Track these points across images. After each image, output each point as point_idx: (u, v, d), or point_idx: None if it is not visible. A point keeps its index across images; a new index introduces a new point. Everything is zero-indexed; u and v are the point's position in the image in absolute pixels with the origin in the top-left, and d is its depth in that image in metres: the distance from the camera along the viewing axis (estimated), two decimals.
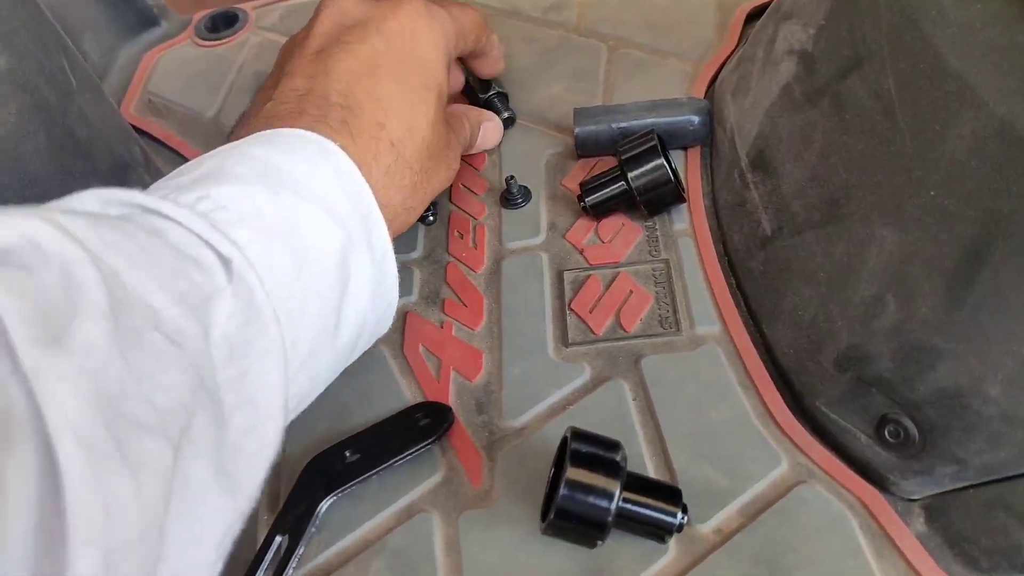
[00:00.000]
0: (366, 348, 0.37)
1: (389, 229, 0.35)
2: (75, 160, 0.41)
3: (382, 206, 0.35)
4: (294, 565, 0.34)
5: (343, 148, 0.34)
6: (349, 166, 0.34)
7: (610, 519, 0.30)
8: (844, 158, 0.35)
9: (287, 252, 0.30)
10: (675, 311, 0.40)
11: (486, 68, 0.49)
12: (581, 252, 0.43)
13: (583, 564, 0.33)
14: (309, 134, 0.34)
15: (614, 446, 0.31)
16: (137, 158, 0.48)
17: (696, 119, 0.45)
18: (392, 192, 0.36)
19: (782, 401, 0.36)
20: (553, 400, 0.38)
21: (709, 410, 0.36)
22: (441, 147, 0.40)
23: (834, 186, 0.35)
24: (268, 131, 0.34)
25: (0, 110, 0.37)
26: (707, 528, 0.33)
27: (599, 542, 0.31)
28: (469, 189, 0.48)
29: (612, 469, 0.31)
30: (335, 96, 0.36)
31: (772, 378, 0.37)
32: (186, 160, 0.52)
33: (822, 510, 0.33)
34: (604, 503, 0.30)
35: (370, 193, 0.34)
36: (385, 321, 0.37)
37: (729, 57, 0.50)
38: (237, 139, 0.34)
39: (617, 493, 0.30)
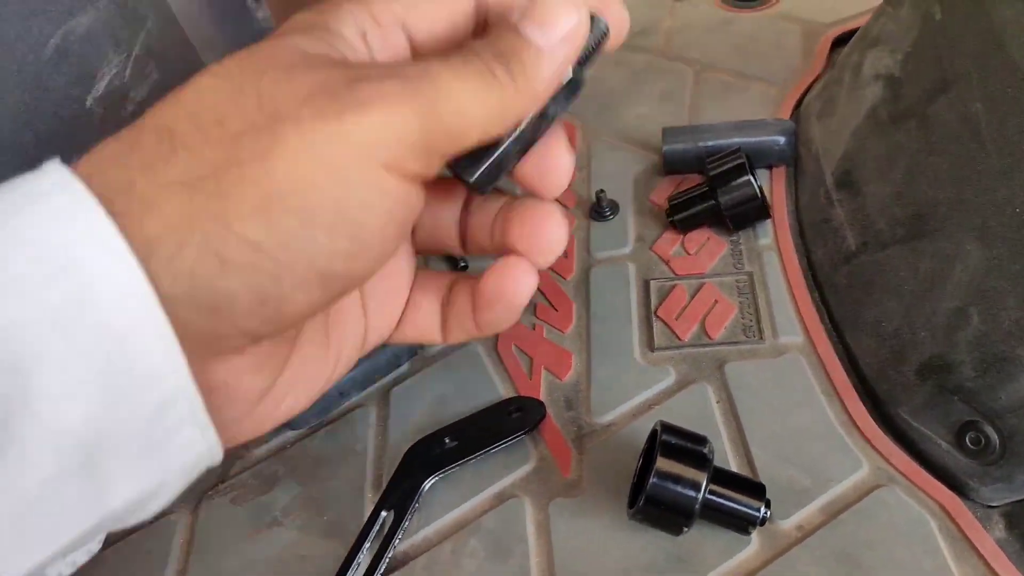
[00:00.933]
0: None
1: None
2: None
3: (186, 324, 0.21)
4: (399, 537, 0.37)
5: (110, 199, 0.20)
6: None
7: (697, 507, 0.32)
8: (930, 177, 0.36)
9: None
10: (758, 321, 0.42)
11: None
12: (667, 263, 0.45)
13: (668, 552, 0.35)
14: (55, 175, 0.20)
15: (701, 440, 0.33)
16: None
17: (782, 139, 0.46)
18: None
19: (864, 408, 0.37)
20: (639, 400, 0.40)
21: (791, 415, 0.38)
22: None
23: (920, 203, 0.37)
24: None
25: None
26: (789, 524, 0.35)
27: (685, 529, 0.33)
28: (560, 203, 0.50)
29: (700, 461, 0.33)
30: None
31: (854, 386, 0.38)
32: None
33: (902, 512, 0.34)
34: (691, 492, 0.32)
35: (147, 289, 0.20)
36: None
37: (815, 82, 0.52)
38: None
39: (704, 483, 0.32)
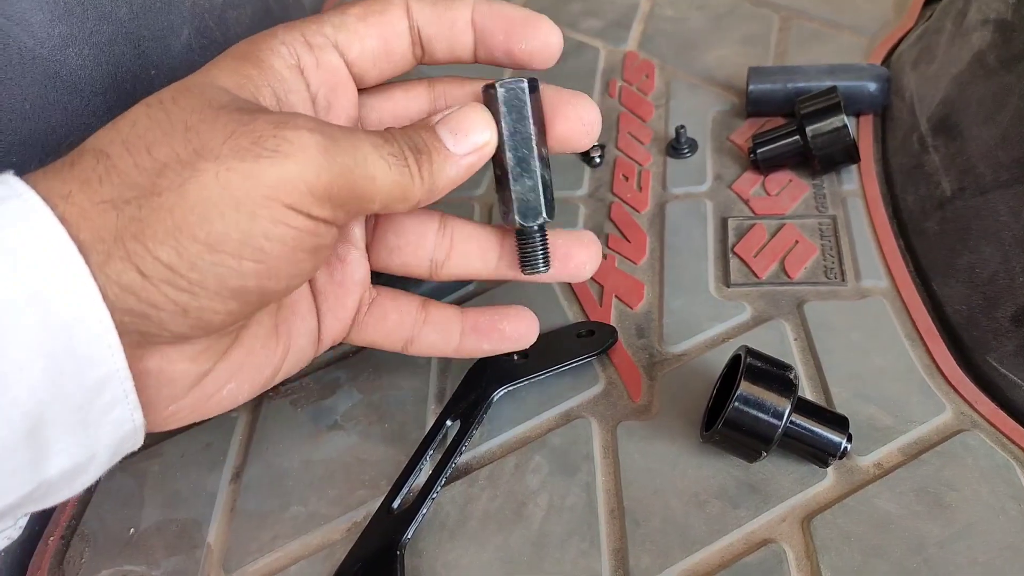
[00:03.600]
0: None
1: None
2: None
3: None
4: (465, 446, 0.36)
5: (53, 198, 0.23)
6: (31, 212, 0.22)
7: (778, 433, 0.31)
8: None
9: None
10: (840, 263, 0.41)
11: None
12: (746, 202, 0.44)
13: (738, 479, 0.34)
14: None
15: (787, 367, 0.33)
16: None
17: (874, 85, 0.45)
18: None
19: (949, 354, 0.36)
20: (713, 333, 0.39)
21: (872, 356, 0.37)
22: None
23: None
24: None
25: None
26: (867, 461, 0.34)
27: (763, 455, 0.32)
28: (635, 138, 0.49)
29: (785, 386, 0.32)
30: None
31: (939, 333, 0.37)
32: None
33: (986, 457, 0.33)
34: (774, 418, 0.31)
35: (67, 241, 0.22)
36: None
37: (906, 35, 0.50)
38: None
39: (788, 409, 0.31)
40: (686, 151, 0.47)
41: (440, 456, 0.36)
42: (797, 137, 0.43)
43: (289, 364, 0.32)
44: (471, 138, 0.28)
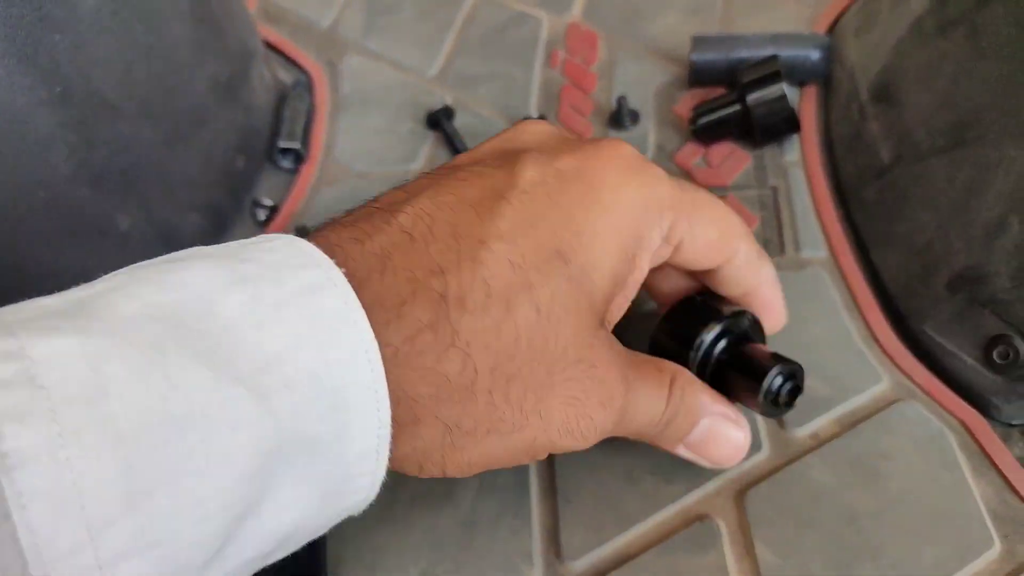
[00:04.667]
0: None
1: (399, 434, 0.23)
2: (209, 35, 0.43)
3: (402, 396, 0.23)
4: None
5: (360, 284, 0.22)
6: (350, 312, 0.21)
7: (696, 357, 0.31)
8: (977, 84, 0.35)
9: (122, 466, 0.17)
10: (781, 235, 0.40)
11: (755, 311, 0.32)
12: (688, 174, 0.43)
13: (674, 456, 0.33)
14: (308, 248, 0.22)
15: (740, 312, 0.32)
16: (259, 51, 0.50)
17: (816, 54, 0.44)
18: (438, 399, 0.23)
19: (886, 324, 0.36)
20: (651, 306, 0.39)
21: (810, 327, 0.36)
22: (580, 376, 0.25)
23: (963, 112, 0.35)
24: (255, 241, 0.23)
25: None
26: (803, 432, 0.33)
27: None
28: (577, 110, 0.48)
29: (713, 313, 0.31)
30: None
31: (877, 303, 0.36)
32: (299, 67, 0.54)
33: (921, 426, 0.33)
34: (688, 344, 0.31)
35: (377, 357, 0.22)
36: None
37: (853, 2, 0.50)
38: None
39: (712, 336, 0.31)
40: (628, 123, 0.46)
41: None
42: (738, 107, 0.42)
43: None
44: (710, 452, 0.31)
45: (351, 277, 0.22)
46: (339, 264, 0.22)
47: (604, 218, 0.25)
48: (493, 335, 0.23)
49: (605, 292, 0.26)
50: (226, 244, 0.22)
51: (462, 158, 0.28)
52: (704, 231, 0.29)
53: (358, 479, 0.23)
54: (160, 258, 0.22)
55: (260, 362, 0.20)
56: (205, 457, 0.18)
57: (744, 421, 0.30)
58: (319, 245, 0.23)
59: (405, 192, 0.26)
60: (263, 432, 0.20)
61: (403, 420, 0.23)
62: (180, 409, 0.18)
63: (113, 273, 0.21)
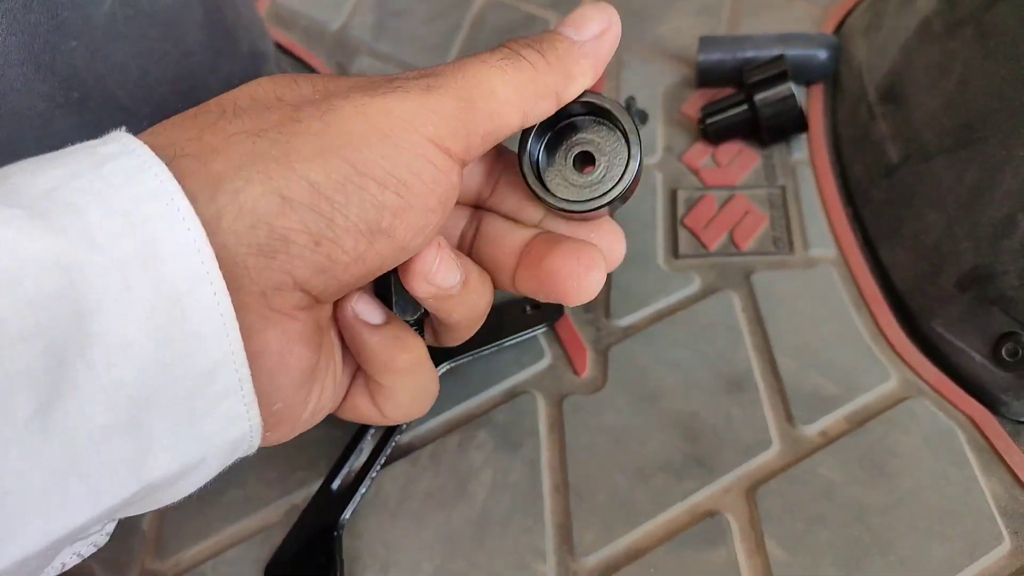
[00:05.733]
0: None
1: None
2: (222, 39, 0.43)
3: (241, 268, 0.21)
4: (403, 428, 0.35)
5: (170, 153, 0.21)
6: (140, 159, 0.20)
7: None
8: (984, 84, 0.35)
9: None
10: (789, 233, 0.40)
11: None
12: (696, 173, 0.44)
13: (685, 452, 0.34)
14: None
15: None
16: (271, 54, 0.50)
17: (823, 54, 0.45)
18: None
19: (895, 322, 0.36)
20: (660, 306, 0.39)
21: (819, 325, 0.36)
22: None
23: (971, 112, 0.35)
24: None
25: None
26: (812, 430, 0.33)
27: None
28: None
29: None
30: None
31: (885, 301, 0.37)
32: (310, 69, 0.54)
33: (930, 423, 0.33)
34: None
35: (189, 210, 0.20)
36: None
37: (860, 2, 0.50)
38: None
39: None
40: (637, 123, 0.47)
41: (381, 435, 0.35)
42: (746, 107, 0.42)
43: (306, 425, 0.28)
44: (593, 25, 0.27)
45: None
46: None
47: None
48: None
49: None
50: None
51: None
52: None
53: (192, 299, 0.20)
54: None
55: (40, 192, 0.19)
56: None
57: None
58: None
59: None
60: (47, 254, 0.18)
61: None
62: None
63: None
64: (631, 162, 0.27)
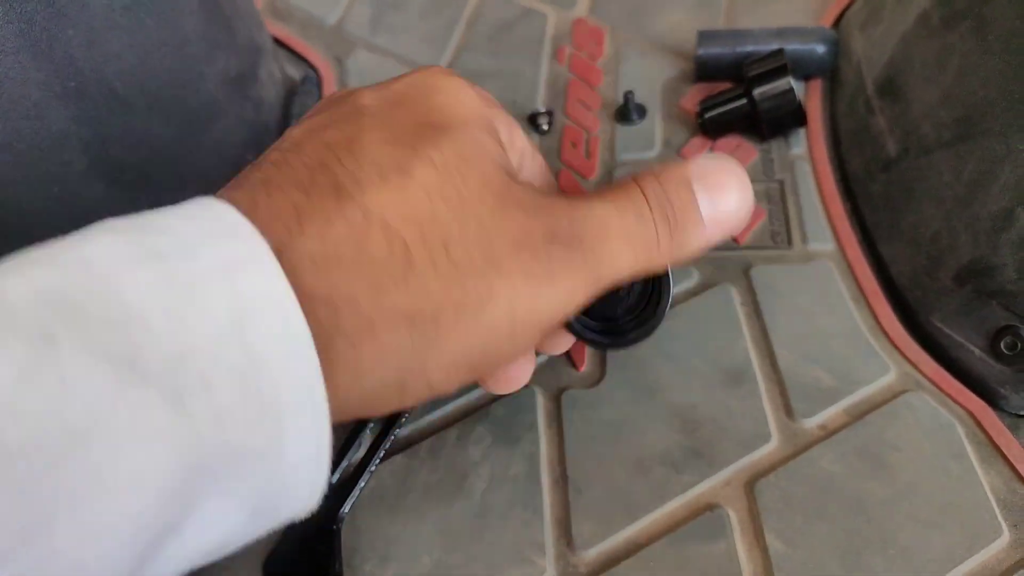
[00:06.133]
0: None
1: (351, 400, 0.21)
2: (219, 30, 0.43)
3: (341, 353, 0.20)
4: (403, 421, 0.35)
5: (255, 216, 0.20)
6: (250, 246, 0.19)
7: None
8: (982, 77, 0.35)
9: (12, 492, 0.15)
10: (788, 228, 0.40)
11: None
12: None
13: (684, 446, 0.34)
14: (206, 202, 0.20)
15: None
16: (268, 47, 0.50)
17: (822, 48, 0.45)
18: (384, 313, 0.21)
19: (894, 316, 0.36)
20: None
21: (818, 319, 0.36)
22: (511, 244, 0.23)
23: (969, 105, 0.35)
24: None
25: None
26: (812, 423, 0.33)
27: None
28: (584, 104, 0.49)
29: None
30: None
31: (884, 295, 0.37)
32: (307, 63, 0.54)
33: (929, 416, 0.33)
34: None
35: (299, 318, 0.19)
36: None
37: None
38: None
39: None
40: (635, 117, 0.47)
41: (380, 429, 0.35)
42: (745, 101, 0.42)
43: None
44: (729, 201, 0.26)
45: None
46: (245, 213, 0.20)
47: (450, 98, 0.25)
48: (402, 201, 0.21)
49: (487, 142, 0.24)
50: (140, 214, 0.19)
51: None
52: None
53: (295, 489, 0.20)
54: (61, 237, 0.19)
55: (173, 357, 0.17)
56: (112, 477, 0.16)
57: (727, 157, 0.27)
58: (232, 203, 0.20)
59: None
60: (180, 445, 0.17)
61: (355, 331, 0.20)
62: (79, 419, 0.15)
63: (5, 257, 0.18)
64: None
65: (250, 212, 0.20)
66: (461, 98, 0.25)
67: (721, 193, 0.26)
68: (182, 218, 0.19)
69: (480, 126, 0.24)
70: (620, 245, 0.24)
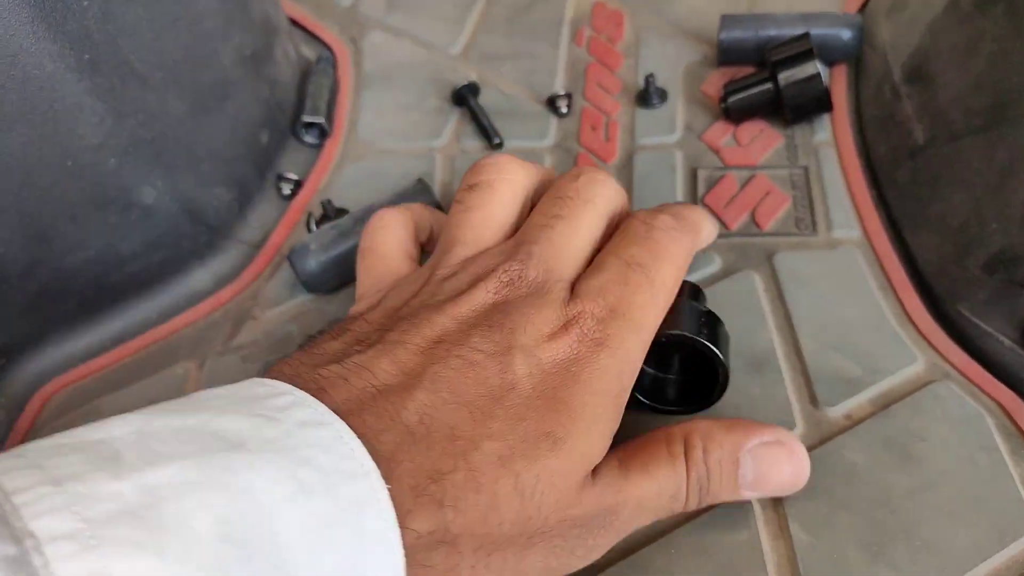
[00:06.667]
0: None
1: None
2: (235, 6, 0.42)
3: None
4: None
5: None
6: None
7: None
8: (1016, 63, 0.34)
9: None
10: (812, 214, 0.39)
11: None
12: (717, 152, 0.43)
13: None
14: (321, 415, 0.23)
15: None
16: (283, 26, 0.49)
17: (848, 33, 0.44)
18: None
19: (921, 305, 0.35)
20: None
21: (843, 307, 0.36)
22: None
23: (1001, 91, 0.34)
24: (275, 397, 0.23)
25: None
26: (836, 412, 0.33)
27: None
28: (603, 88, 0.48)
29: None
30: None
31: (911, 283, 0.36)
32: (322, 43, 0.53)
33: (957, 407, 0.32)
34: None
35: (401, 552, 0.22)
36: None
37: None
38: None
39: None
40: (656, 101, 0.46)
41: None
42: (769, 85, 0.42)
43: None
44: (774, 479, 0.29)
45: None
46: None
47: (589, 391, 0.26)
48: (479, 525, 0.24)
49: (598, 448, 0.27)
50: (279, 423, 0.22)
51: (449, 309, 0.27)
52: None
53: None
54: (214, 433, 0.21)
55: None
56: None
57: (785, 432, 0.29)
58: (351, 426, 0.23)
59: (395, 363, 0.25)
60: None
61: None
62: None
63: (175, 433, 0.20)
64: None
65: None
66: (597, 387, 0.27)
67: (771, 469, 0.29)
68: (318, 448, 0.21)
69: (595, 424, 0.27)
70: (648, 517, 0.28)
